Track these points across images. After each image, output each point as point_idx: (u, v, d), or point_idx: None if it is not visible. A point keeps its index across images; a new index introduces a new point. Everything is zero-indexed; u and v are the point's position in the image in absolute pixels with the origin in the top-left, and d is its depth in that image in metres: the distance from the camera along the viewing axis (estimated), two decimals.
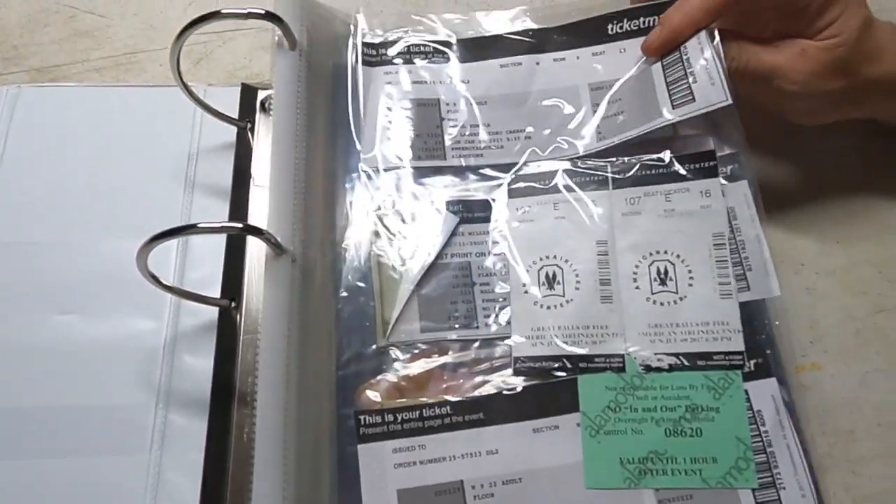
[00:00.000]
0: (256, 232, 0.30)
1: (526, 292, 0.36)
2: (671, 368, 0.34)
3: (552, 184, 0.38)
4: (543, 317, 0.35)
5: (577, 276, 0.36)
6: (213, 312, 0.38)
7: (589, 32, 0.41)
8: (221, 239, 0.40)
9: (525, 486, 0.32)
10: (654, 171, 0.38)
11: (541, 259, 0.37)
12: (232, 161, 0.42)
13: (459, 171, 0.39)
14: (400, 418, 0.33)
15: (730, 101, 0.35)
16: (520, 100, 0.41)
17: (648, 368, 0.34)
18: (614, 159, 0.38)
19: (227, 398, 0.36)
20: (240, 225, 0.31)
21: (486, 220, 0.38)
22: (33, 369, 0.37)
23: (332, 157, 0.39)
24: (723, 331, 0.34)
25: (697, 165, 0.37)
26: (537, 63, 0.42)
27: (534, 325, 0.35)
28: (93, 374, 0.37)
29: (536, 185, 0.38)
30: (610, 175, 0.38)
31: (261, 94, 0.43)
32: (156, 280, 0.34)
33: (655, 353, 0.34)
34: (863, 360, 0.38)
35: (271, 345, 0.31)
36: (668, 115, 0.37)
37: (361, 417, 0.32)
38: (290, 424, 0.30)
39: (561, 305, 0.35)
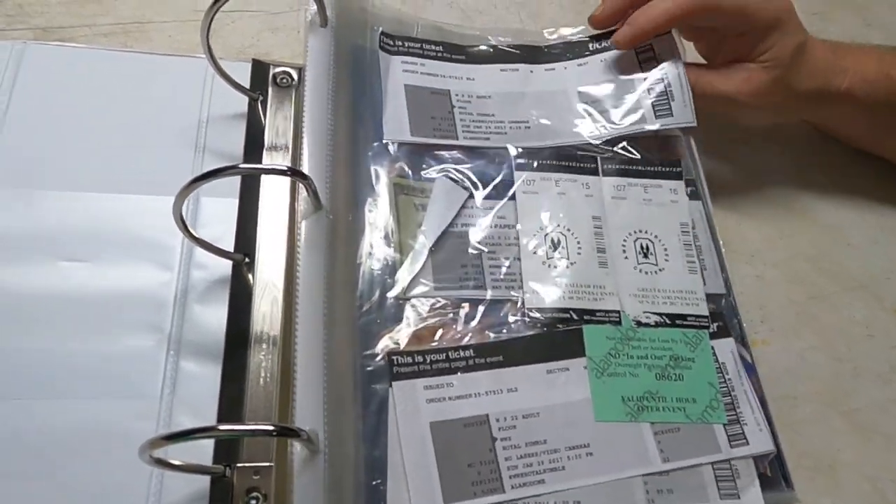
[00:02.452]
0: (301, 176, 0.33)
1: (535, 253, 0.41)
2: (656, 325, 0.40)
3: (552, 163, 0.44)
4: (551, 275, 0.40)
5: (578, 243, 0.42)
6: (223, 268, 0.40)
7: (573, 50, 0.48)
8: (231, 201, 0.41)
9: (543, 419, 0.36)
10: (634, 167, 0.45)
11: (547, 227, 0.42)
12: (243, 130, 0.44)
13: (469, 151, 0.43)
14: (429, 359, 0.36)
15: (695, 123, 0.44)
16: (518, 98, 0.46)
17: (639, 323, 0.40)
18: (602, 151, 0.45)
19: (242, 345, 0.37)
20: (284, 167, 0.33)
21: (493, 197, 0.42)
22: (34, 313, 0.37)
23: (354, 127, 0.42)
24: (692, 298, 0.41)
25: (666, 169, 0.45)
26: (531, 71, 0.47)
27: (543, 282, 0.40)
28: (99, 321, 0.37)
29: (539, 163, 0.44)
30: (600, 164, 0.44)
31: (272, 70, 0.45)
32: (184, 226, 0.36)
33: (644, 312, 0.40)
34: (801, 338, 0.44)
35: (310, 293, 0.33)
36: (651, 126, 0.44)
37: (395, 357, 0.35)
38: (328, 363, 0.32)
39: (566, 266, 0.41)
